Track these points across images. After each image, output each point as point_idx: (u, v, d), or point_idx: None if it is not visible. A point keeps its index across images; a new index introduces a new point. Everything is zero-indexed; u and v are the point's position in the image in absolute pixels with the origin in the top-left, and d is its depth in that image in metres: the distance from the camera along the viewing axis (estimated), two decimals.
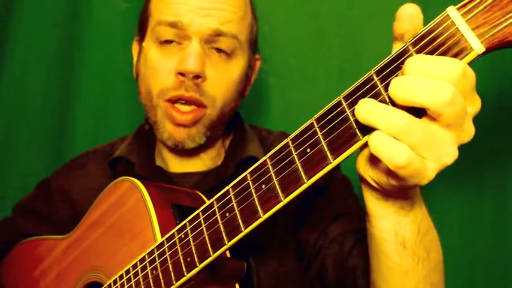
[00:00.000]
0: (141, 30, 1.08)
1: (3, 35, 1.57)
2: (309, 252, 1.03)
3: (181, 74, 0.98)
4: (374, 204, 0.65)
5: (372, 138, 0.54)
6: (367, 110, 0.53)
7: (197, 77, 0.98)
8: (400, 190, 0.60)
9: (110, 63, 1.53)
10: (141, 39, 1.08)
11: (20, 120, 1.60)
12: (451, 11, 0.53)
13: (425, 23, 0.55)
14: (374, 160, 0.59)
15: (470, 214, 1.25)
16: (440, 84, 0.50)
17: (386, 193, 0.63)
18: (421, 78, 0.51)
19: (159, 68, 1.01)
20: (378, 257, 0.71)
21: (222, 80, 1.02)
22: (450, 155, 0.54)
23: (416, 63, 0.52)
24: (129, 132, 1.21)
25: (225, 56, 1.02)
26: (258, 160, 0.67)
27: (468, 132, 0.55)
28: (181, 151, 1.08)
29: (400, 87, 0.52)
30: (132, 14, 1.18)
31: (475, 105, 0.55)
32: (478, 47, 0.51)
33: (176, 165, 1.12)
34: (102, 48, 1.53)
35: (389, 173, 0.56)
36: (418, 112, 0.53)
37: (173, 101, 1.00)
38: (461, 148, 1.32)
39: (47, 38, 1.56)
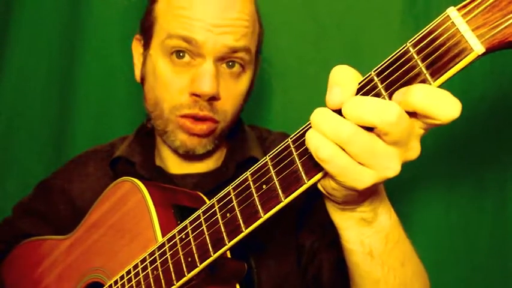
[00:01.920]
0: (145, 33, 1.06)
1: (4, 35, 1.57)
2: (306, 256, 1.03)
3: (196, 95, 0.98)
4: (336, 216, 0.68)
5: (308, 133, 0.58)
6: (319, 117, 0.57)
7: (212, 98, 0.98)
8: (345, 196, 0.62)
9: (110, 63, 1.53)
10: (146, 44, 1.06)
11: (20, 120, 1.60)
12: (452, 11, 0.53)
13: (426, 24, 0.55)
14: None
15: (470, 214, 1.25)
16: (387, 105, 0.53)
17: (339, 202, 0.65)
18: (371, 99, 0.55)
19: (170, 84, 0.99)
20: (350, 267, 0.74)
21: (233, 97, 1.02)
22: (392, 169, 0.57)
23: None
24: (129, 132, 1.21)
25: (236, 71, 1.01)
26: (257, 160, 0.67)
27: (414, 150, 0.58)
28: (186, 155, 1.08)
29: (352, 107, 0.55)
30: (133, 14, 1.18)
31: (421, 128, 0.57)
32: (478, 48, 0.52)
33: (176, 166, 1.11)
34: (102, 48, 1.53)
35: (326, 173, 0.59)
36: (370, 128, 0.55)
37: (187, 117, 1.00)
38: (462, 148, 1.32)
39: (47, 38, 1.56)
